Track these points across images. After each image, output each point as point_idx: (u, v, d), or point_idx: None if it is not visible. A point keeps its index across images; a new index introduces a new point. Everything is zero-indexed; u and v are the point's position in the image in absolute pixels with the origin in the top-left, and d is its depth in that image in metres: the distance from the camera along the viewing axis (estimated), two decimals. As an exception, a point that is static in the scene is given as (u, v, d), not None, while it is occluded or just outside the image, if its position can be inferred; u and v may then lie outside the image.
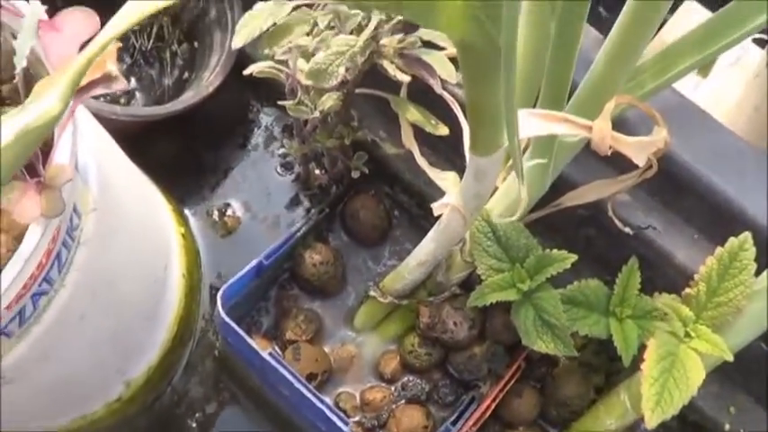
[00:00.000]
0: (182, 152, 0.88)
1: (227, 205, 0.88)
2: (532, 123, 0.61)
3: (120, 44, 0.91)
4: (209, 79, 0.83)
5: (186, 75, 0.90)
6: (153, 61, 0.91)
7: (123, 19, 0.44)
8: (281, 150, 0.89)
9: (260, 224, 0.88)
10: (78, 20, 0.60)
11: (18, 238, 0.58)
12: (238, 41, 0.67)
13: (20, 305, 0.58)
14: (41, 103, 0.45)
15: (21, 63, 0.51)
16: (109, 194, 0.66)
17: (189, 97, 0.83)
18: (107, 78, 0.56)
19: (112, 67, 0.56)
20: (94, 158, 0.64)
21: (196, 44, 0.90)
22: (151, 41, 0.91)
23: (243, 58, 0.83)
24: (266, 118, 0.91)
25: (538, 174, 0.71)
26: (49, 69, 0.60)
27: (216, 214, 0.88)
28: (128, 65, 0.91)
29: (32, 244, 0.55)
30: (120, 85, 0.56)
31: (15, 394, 0.66)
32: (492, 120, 0.57)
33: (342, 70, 0.63)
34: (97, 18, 0.61)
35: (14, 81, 0.66)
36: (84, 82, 0.55)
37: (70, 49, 0.59)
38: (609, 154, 0.64)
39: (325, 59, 0.63)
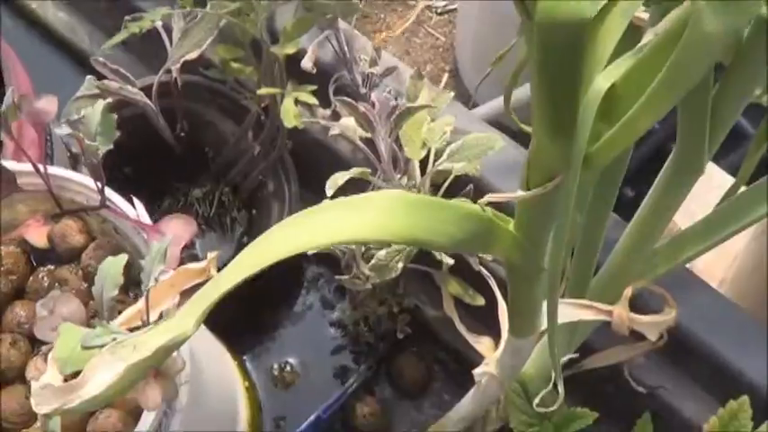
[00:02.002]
0: (242, 310, 1.01)
1: (286, 361, 1.01)
2: (564, 312, 0.74)
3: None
4: (270, 249, 0.97)
5: (246, 239, 1.03)
6: (214, 226, 1.05)
7: (260, 258, 0.56)
8: (335, 314, 1.02)
9: (315, 378, 1.01)
10: (179, 225, 0.74)
11: (131, 413, 0.71)
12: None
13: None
14: (177, 325, 0.57)
15: (147, 284, 0.64)
16: (195, 363, 0.79)
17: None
18: (204, 277, 0.69)
19: (215, 272, 0.69)
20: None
21: (254, 212, 1.04)
22: (213, 208, 1.05)
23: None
24: (320, 281, 1.05)
25: (564, 343, 0.84)
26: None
27: (275, 369, 1.01)
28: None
29: (148, 423, 0.68)
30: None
31: None
32: (531, 313, 0.71)
33: (400, 265, 0.77)
34: (195, 224, 0.75)
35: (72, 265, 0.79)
36: (190, 284, 0.69)
37: (173, 251, 0.72)
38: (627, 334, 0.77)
39: (386, 256, 0.77)
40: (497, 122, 1.89)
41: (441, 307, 0.92)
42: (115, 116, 0.74)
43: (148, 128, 0.97)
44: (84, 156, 0.70)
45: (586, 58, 0.47)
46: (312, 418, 0.92)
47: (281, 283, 1.04)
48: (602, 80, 0.49)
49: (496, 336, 0.83)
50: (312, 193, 1.04)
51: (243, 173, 1.03)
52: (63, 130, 0.69)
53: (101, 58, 0.94)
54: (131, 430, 0.69)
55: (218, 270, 0.69)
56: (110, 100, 0.78)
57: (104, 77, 0.93)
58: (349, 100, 0.76)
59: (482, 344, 0.90)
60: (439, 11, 2.42)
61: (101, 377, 0.57)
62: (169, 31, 0.95)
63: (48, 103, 0.76)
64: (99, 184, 0.73)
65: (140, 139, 0.96)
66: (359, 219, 0.52)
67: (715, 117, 0.64)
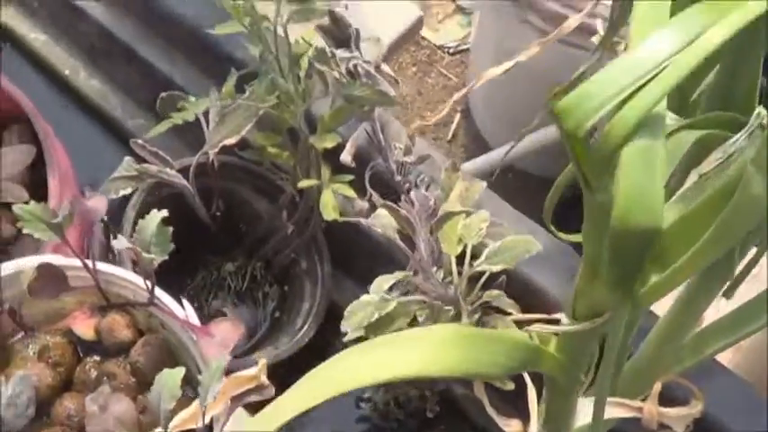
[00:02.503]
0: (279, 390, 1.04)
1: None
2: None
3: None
4: (304, 329, 1.00)
5: (278, 314, 1.07)
6: (247, 300, 1.08)
7: (321, 391, 0.59)
8: (366, 393, 1.05)
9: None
10: (227, 328, 0.78)
11: None
12: (349, 329, 0.84)
13: None
14: None
15: (205, 399, 0.66)
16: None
17: (285, 344, 1.00)
18: (261, 387, 0.72)
19: (264, 379, 0.72)
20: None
21: (286, 288, 1.07)
22: (246, 282, 1.08)
23: (334, 308, 1.00)
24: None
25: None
26: (201, 366, 0.77)
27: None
28: (222, 300, 1.08)
29: None
30: (271, 392, 0.73)
31: None
32: (566, 414, 0.74)
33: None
34: (242, 327, 0.78)
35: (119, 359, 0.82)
36: (240, 390, 0.72)
37: (221, 351, 0.76)
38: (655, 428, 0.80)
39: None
40: (511, 166, 1.92)
41: (470, 386, 0.95)
42: (164, 213, 0.77)
43: (185, 206, 1.01)
44: (139, 264, 0.73)
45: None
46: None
47: (315, 361, 1.07)
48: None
49: (525, 418, 0.86)
50: (345, 274, 1.07)
51: (276, 250, 1.06)
52: (121, 244, 0.72)
53: (140, 141, 0.97)
54: None
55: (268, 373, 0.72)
56: (148, 186, 0.82)
57: (143, 159, 0.97)
58: (390, 204, 0.80)
59: (511, 426, 0.93)
60: (451, 51, 2.46)
61: None
62: (206, 112, 0.98)
63: (97, 203, 0.79)
64: (149, 284, 0.76)
65: (176, 216, 0.99)
66: (417, 355, 0.56)
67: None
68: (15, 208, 0.73)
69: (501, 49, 1.92)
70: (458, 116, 2.36)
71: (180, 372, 0.68)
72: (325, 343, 1.03)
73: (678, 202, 0.54)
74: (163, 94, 1.00)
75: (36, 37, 1.28)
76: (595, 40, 1.02)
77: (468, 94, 2.35)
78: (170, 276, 0.83)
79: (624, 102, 0.40)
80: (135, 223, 0.92)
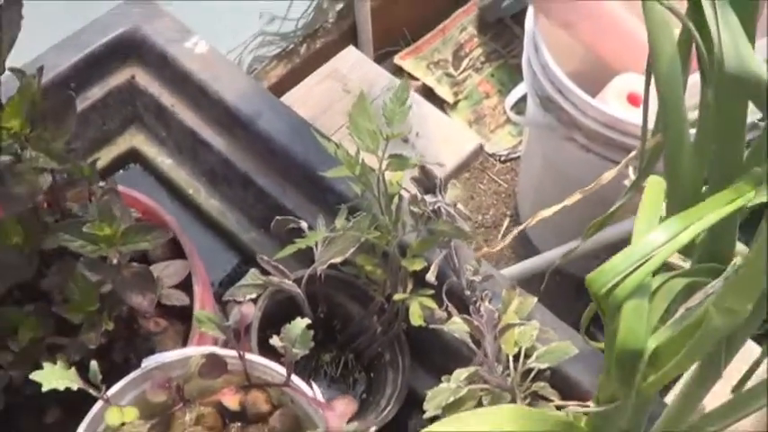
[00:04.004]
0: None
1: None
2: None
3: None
4: (387, 409, 1.32)
5: (365, 396, 1.38)
6: (340, 384, 1.40)
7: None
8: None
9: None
10: (344, 403, 1.09)
11: None
12: (430, 408, 1.16)
13: None
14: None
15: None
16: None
17: (372, 421, 1.32)
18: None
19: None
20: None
21: (372, 375, 1.39)
22: (339, 369, 1.40)
23: (412, 393, 1.32)
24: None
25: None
26: None
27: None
28: (320, 383, 1.40)
29: None
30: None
31: None
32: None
33: None
34: (355, 404, 1.10)
35: (258, 425, 1.14)
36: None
37: (341, 422, 1.08)
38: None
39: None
40: (559, 270, 2.24)
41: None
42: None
43: (294, 307, 1.33)
44: (285, 356, 1.06)
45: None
46: None
47: None
48: (651, 342, 0.84)
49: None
50: (422, 366, 1.40)
51: (365, 344, 1.38)
52: (276, 342, 1.04)
53: (265, 257, 1.30)
54: None
55: None
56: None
57: (266, 270, 1.30)
58: (467, 317, 1.13)
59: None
60: (502, 159, 2.79)
61: None
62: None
63: (248, 309, 1.12)
64: (288, 372, 1.09)
65: (287, 315, 1.32)
66: (488, 426, 0.88)
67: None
68: (197, 314, 1.06)
69: (548, 160, 2.22)
70: (507, 221, 2.68)
71: (318, 433, 1.00)
72: (405, 419, 1.36)
73: (670, 327, 0.86)
74: (277, 218, 1.34)
75: (163, 160, 1.63)
76: (627, 183, 1.34)
77: (518, 200, 2.67)
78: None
79: (626, 276, 0.72)
80: (261, 321, 1.26)
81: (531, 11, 1.94)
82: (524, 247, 2.58)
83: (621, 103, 1.98)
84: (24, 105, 1.06)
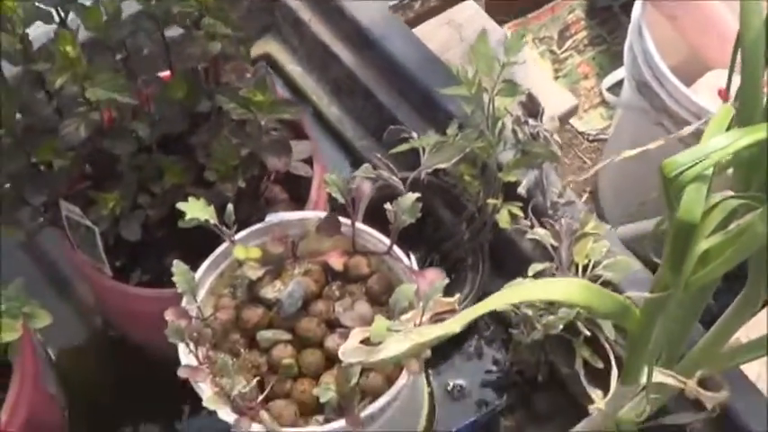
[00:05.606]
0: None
1: (456, 382, 1.59)
2: (657, 376, 1.29)
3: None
4: (464, 305, 1.54)
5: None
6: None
7: (506, 299, 1.13)
8: (497, 357, 1.59)
9: (474, 397, 1.58)
10: (434, 273, 1.31)
11: (386, 379, 1.27)
12: (504, 297, 1.38)
13: (372, 413, 1.27)
14: (448, 326, 1.14)
15: (426, 308, 1.21)
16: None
17: (448, 311, 1.54)
18: (452, 311, 1.26)
19: (457, 306, 1.26)
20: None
21: (453, 276, 1.61)
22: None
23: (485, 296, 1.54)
24: (488, 332, 1.64)
25: (653, 401, 1.39)
26: (414, 303, 1.31)
27: (449, 386, 1.58)
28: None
29: (400, 386, 1.24)
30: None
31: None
32: (637, 370, 1.26)
33: (560, 326, 1.34)
34: (444, 274, 1.32)
35: (357, 284, 1.37)
36: (440, 310, 1.26)
37: (429, 286, 1.29)
38: (692, 398, 1.31)
39: (554, 319, 1.33)
40: (631, 247, 2.43)
41: (571, 366, 1.47)
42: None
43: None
44: (394, 224, 1.28)
45: (698, 233, 1.03)
46: (468, 422, 1.48)
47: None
48: (704, 244, 1.05)
49: (605, 392, 1.39)
50: (498, 274, 1.62)
51: (451, 248, 1.61)
52: (392, 207, 1.27)
53: (378, 155, 1.53)
54: (386, 390, 1.26)
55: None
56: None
57: (377, 167, 1.53)
58: (551, 221, 1.35)
59: (595, 394, 1.45)
60: (590, 138, 2.97)
61: (394, 347, 1.13)
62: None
63: (364, 184, 1.34)
64: (392, 239, 1.32)
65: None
66: (561, 288, 1.09)
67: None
68: (327, 177, 1.30)
69: (635, 145, 2.41)
70: (585, 196, 2.87)
71: (412, 287, 1.23)
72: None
73: (721, 234, 1.07)
74: (392, 127, 1.56)
75: (293, 68, 1.87)
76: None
77: (598, 178, 2.86)
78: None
79: (692, 166, 0.94)
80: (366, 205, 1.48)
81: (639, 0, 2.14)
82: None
83: (712, 96, 2.16)
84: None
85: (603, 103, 2.99)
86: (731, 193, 1.07)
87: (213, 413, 1.59)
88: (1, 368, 1.43)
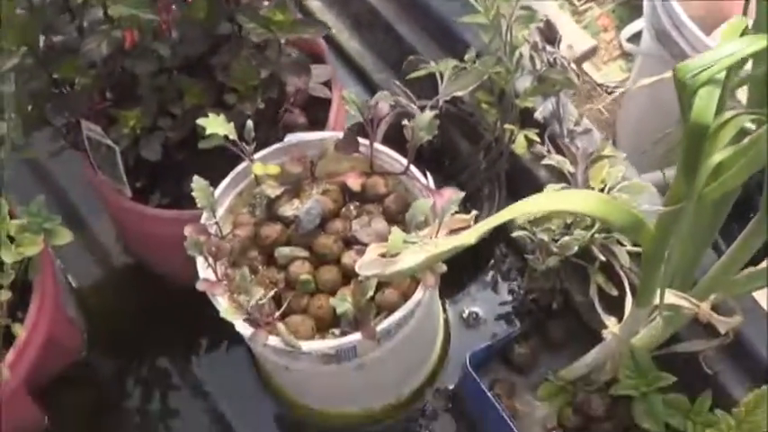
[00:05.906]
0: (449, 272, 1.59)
1: (472, 310, 1.61)
2: (670, 298, 1.30)
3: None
4: (479, 231, 1.56)
5: (458, 223, 1.62)
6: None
7: (521, 210, 1.14)
8: (512, 285, 1.61)
9: (489, 324, 1.61)
10: (450, 191, 1.33)
11: (403, 294, 1.29)
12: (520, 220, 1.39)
13: (388, 328, 1.29)
14: (464, 237, 1.15)
15: (442, 221, 1.23)
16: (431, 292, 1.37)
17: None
18: (468, 227, 1.27)
19: (472, 222, 1.27)
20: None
21: (468, 204, 1.62)
22: (440, 198, 1.64)
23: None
24: (505, 261, 1.66)
25: (666, 327, 1.40)
26: (431, 219, 1.32)
27: (464, 313, 1.61)
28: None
29: (417, 300, 1.26)
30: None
31: (362, 378, 1.38)
32: (651, 291, 1.27)
33: (576, 247, 1.35)
34: (460, 192, 1.33)
35: (374, 205, 1.39)
36: (456, 226, 1.28)
37: (445, 202, 1.31)
38: (705, 323, 1.33)
39: (570, 240, 1.35)
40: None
41: (585, 294, 1.49)
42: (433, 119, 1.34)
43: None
44: (412, 140, 1.30)
45: (710, 145, 1.05)
46: (483, 346, 1.50)
47: (476, 258, 1.65)
48: (717, 157, 1.06)
49: (619, 319, 1.40)
50: (514, 200, 1.62)
51: (468, 178, 1.62)
52: (410, 124, 1.29)
53: (397, 82, 1.54)
54: (401, 305, 1.28)
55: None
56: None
57: (396, 95, 1.54)
58: (567, 144, 1.36)
59: (609, 320, 1.46)
60: (609, 90, 2.98)
61: (410, 259, 1.15)
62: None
63: (383, 104, 1.36)
64: (410, 158, 1.33)
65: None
66: (578, 199, 1.11)
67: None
68: (345, 94, 1.31)
69: (654, 97, 2.42)
70: (603, 147, 2.88)
71: (428, 202, 1.25)
72: (490, 247, 1.61)
73: (735, 147, 1.08)
74: (411, 57, 1.57)
75: (313, 3, 1.89)
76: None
77: (616, 132, 2.87)
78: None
79: (705, 70, 0.95)
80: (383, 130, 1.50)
81: (661, -49, 2.14)
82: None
83: (732, 43, 2.17)
84: None
85: (623, 55, 3.00)
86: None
87: (232, 342, 1.63)
88: (22, 288, 1.45)
